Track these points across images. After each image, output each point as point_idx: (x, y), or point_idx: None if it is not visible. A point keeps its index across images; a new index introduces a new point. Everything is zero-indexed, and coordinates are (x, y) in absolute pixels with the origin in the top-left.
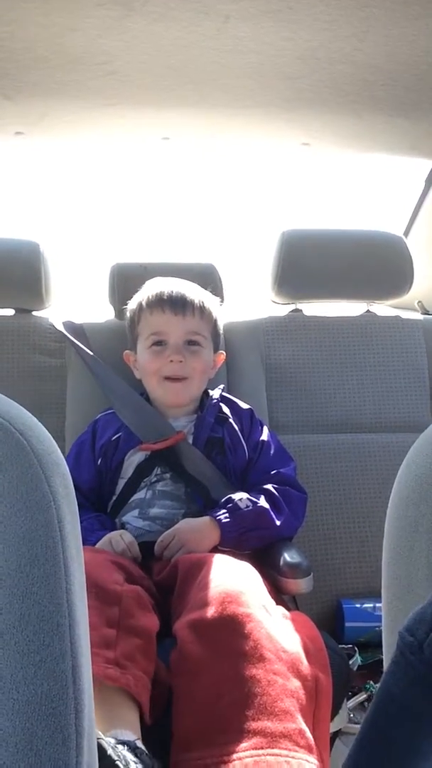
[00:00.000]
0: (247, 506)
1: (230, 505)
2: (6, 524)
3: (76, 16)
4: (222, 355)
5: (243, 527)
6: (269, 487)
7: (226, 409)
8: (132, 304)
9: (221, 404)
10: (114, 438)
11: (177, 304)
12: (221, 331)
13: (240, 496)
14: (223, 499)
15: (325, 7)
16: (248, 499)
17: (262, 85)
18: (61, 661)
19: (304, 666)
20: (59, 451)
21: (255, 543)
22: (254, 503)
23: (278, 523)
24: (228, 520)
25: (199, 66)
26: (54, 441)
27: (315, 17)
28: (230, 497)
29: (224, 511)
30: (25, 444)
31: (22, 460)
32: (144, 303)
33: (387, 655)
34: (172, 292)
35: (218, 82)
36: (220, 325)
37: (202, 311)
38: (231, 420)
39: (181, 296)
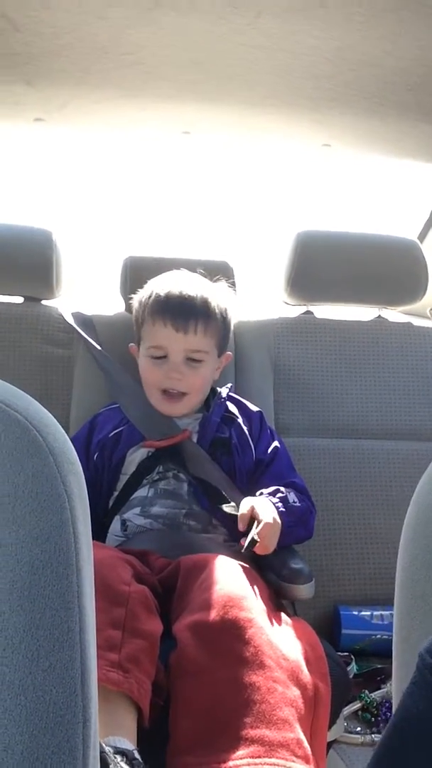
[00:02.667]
0: (294, 501)
1: (280, 494)
2: (20, 524)
3: (105, 5)
4: (229, 356)
5: (291, 521)
6: (292, 491)
7: (233, 409)
8: (136, 301)
9: (228, 403)
10: (114, 433)
11: (179, 319)
12: (231, 333)
13: (286, 490)
14: (268, 489)
15: (359, 7)
16: (295, 493)
17: (287, 83)
18: (71, 667)
19: (304, 674)
20: (74, 449)
21: (290, 540)
22: (301, 499)
23: (312, 523)
24: (282, 510)
25: (225, 61)
26: (68, 439)
27: (347, 17)
28: (277, 488)
29: (277, 500)
30: (42, 441)
31: (38, 458)
32: (148, 307)
33: (397, 671)
34: (177, 300)
35: (243, 78)
36: (231, 326)
37: (207, 324)
38: (239, 420)
39: (185, 308)
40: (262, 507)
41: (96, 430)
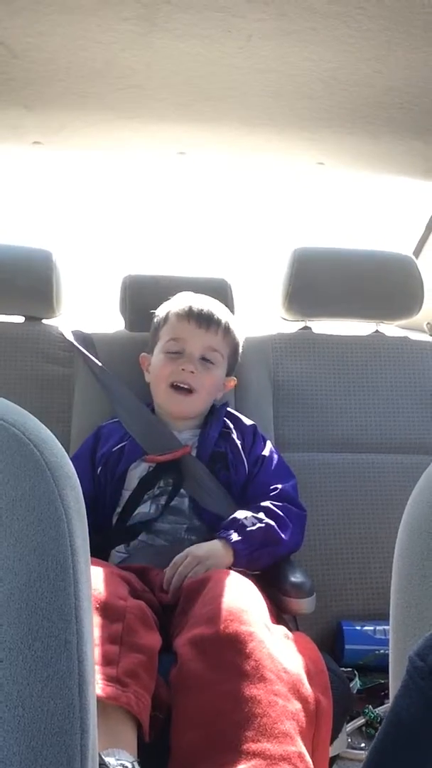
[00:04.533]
0: (254, 524)
1: (236, 524)
2: (17, 537)
3: (101, 30)
4: (233, 381)
5: (254, 545)
6: (268, 504)
7: (230, 424)
8: (160, 311)
9: (225, 419)
10: (117, 448)
11: (203, 318)
12: (239, 358)
13: (244, 515)
14: (226, 521)
15: (348, 29)
16: (253, 517)
17: (280, 104)
18: (68, 678)
19: (305, 688)
20: (71, 464)
21: (266, 561)
22: (259, 520)
23: (285, 537)
24: (239, 539)
25: (219, 83)
26: (66, 454)
27: (337, 39)
28: (234, 517)
29: (232, 531)
30: (39, 456)
31: (35, 473)
32: (172, 311)
33: (393, 681)
34: (201, 307)
35: (237, 99)
36: (240, 351)
37: (226, 332)
38: (234, 435)
39: (208, 312)
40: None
41: (101, 442)
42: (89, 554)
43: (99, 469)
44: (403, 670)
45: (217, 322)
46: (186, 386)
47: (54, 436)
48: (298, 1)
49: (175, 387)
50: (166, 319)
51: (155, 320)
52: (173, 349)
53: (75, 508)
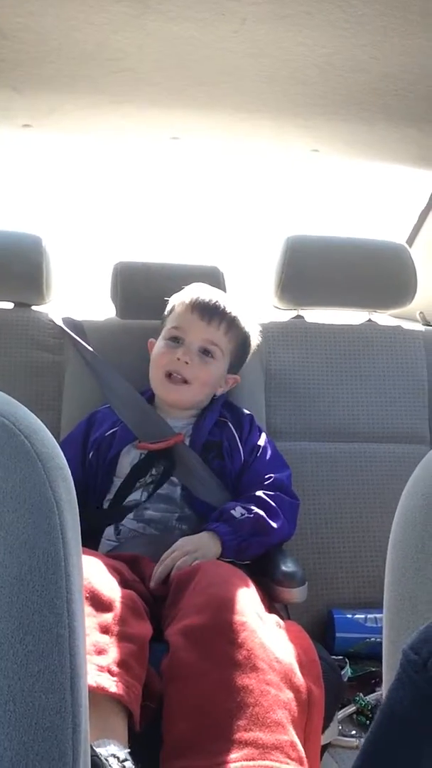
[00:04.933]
0: (242, 514)
1: (225, 515)
2: (8, 530)
3: (93, 10)
4: (237, 378)
5: (242, 535)
6: (260, 494)
7: (226, 414)
8: (173, 299)
9: (222, 409)
10: (109, 433)
11: (206, 311)
12: (247, 355)
13: (234, 506)
14: (215, 512)
15: (343, 14)
16: (242, 507)
17: (275, 89)
18: (60, 673)
19: (297, 677)
20: (62, 455)
21: (256, 550)
22: (248, 510)
23: (275, 526)
24: (226, 529)
25: (212, 67)
26: (57, 444)
27: (332, 24)
28: (223, 508)
29: (220, 522)
30: (29, 447)
31: (25, 464)
32: (179, 301)
33: (387, 673)
34: (209, 299)
35: (231, 84)
36: (249, 349)
37: (230, 327)
38: (230, 424)
39: (214, 305)
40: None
41: (94, 427)
42: (81, 546)
43: (90, 453)
44: (397, 663)
45: (221, 317)
46: (180, 376)
47: (45, 427)
48: None
49: (169, 376)
50: (174, 306)
51: (167, 308)
52: (174, 336)
53: (66, 500)
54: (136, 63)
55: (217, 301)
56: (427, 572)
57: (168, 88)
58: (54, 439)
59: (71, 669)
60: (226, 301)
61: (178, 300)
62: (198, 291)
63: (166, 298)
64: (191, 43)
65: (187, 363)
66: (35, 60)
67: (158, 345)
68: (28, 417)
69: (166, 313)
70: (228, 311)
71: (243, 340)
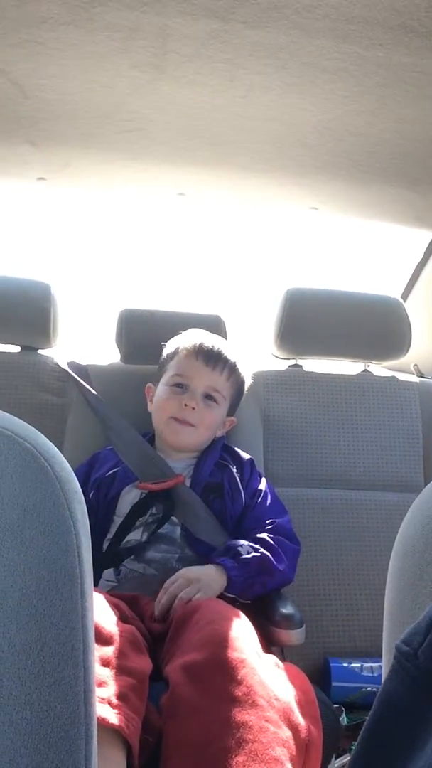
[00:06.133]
0: (249, 552)
1: (232, 551)
2: (28, 546)
3: (111, 75)
4: (234, 420)
5: (248, 572)
6: (264, 536)
7: (227, 456)
8: (170, 345)
9: (222, 452)
10: (110, 473)
11: (211, 357)
12: (241, 398)
13: (240, 543)
14: (221, 548)
15: (344, 84)
16: (249, 545)
17: (278, 151)
18: (75, 685)
19: (296, 716)
20: (77, 479)
21: (259, 590)
22: (255, 549)
23: (280, 568)
24: (234, 565)
25: (220, 129)
26: (72, 470)
27: (334, 92)
28: (231, 543)
29: (226, 557)
30: (50, 470)
31: (46, 485)
32: (182, 346)
33: None
34: (211, 345)
35: (237, 145)
36: (243, 392)
37: (231, 373)
38: (231, 467)
39: (217, 352)
40: (178, 575)
41: (95, 467)
42: (92, 567)
43: (91, 493)
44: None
45: (224, 362)
46: (186, 422)
47: (61, 453)
48: (297, 56)
49: (176, 420)
50: (175, 353)
51: (165, 352)
52: (178, 382)
53: (82, 522)
54: (148, 124)
55: (219, 348)
56: (425, 599)
57: (177, 147)
58: (69, 466)
59: (84, 682)
60: (226, 346)
61: (180, 346)
62: (200, 337)
63: (163, 343)
64: (201, 107)
65: (193, 409)
66: (53, 118)
67: (161, 391)
68: (47, 443)
69: (165, 356)
70: (229, 358)
71: (240, 384)
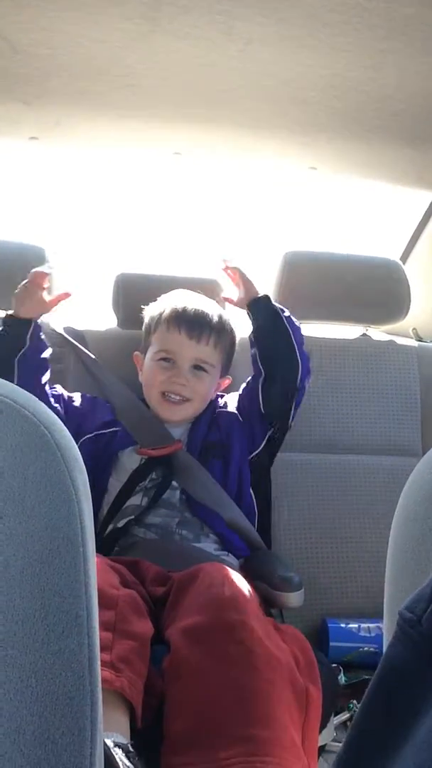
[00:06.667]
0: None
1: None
2: (30, 515)
3: (103, 28)
4: (228, 380)
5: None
6: None
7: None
8: (152, 310)
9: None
10: (110, 431)
11: (194, 328)
12: (233, 354)
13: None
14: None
15: (345, 37)
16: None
17: (276, 108)
18: (79, 652)
19: (296, 677)
20: (77, 447)
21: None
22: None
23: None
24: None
25: (217, 85)
26: (72, 438)
27: (334, 46)
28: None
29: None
30: (50, 438)
31: (46, 454)
32: (163, 315)
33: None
34: (193, 312)
35: (234, 102)
36: (235, 348)
37: (218, 338)
38: (225, 409)
39: (200, 320)
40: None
41: (97, 410)
42: (94, 534)
43: (88, 438)
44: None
45: (209, 331)
46: (178, 398)
47: (60, 420)
48: (298, 7)
49: (167, 397)
50: (157, 324)
51: (147, 320)
52: (164, 358)
53: (83, 490)
54: (143, 79)
55: (202, 315)
56: (426, 566)
57: (172, 104)
58: (69, 433)
59: (89, 648)
60: (210, 310)
61: (162, 313)
62: (181, 302)
63: (143, 306)
64: (197, 61)
65: (183, 385)
66: (45, 74)
67: (149, 365)
68: (47, 411)
69: (147, 327)
70: (214, 322)
71: (230, 343)
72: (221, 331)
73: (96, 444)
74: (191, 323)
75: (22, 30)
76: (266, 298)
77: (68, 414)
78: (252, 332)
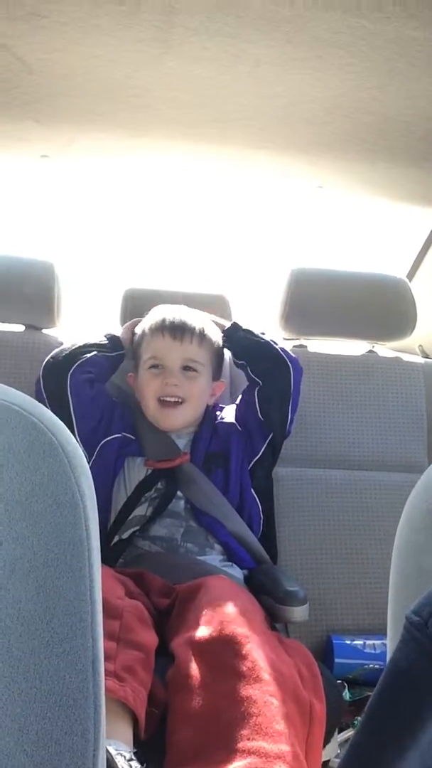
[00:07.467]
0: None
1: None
2: (36, 519)
3: (116, 50)
4: (222, 384)
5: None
6: None
7: (219, 413)
8: (137, 329)
9: (217, 414)
10: (118, 436)
11: (176, 330)
12: (224, 360)
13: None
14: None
15: (352, 58)
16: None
17: (284, 128)
18: (83, 655)
19: (300, 690)
20: (83, 454)
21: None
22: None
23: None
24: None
25: (226, 105)
26: (77, 444)
27: (341, 68)
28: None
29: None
30: (56, 443)
31: (53, 459)
32: (147, 328)
33: None
34: (173, 318)
35: (242, 122)
36: (224, 353)
37: (202, 338)
38: (225, 419)
39: (181, 322)
40: None
41: (116, 413)
42: (99, 539)
43: (104, 440)
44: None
45: (191, 331)
46: (174, 399)
47: (66, 426)
48: (305, 30)
49: (163, 402)
50: (142, 336)
51: (135, 339)
52: (153, 365)
53: (89, 495)
54: (154, 99)
55: (183, 318)
56: (429, 573)
57: (182, 123)
58: (75, 440)
59: (93, 652)
60: (190, 315)
61: (145, 328)
62: (161, 313)
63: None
64: (207, 82)
65: (176, 385)
66: (58, 94)
67: (142, 377)
68: (53, 417)
69: (135, 345)
70: (195, 325)
71: (216, 346)
72: (203, 333)
73: (102, 451)
74: (173, 326)
75: (37, 51)
76: (235, 324)
77: (95, 401)
78: (239, 358)
